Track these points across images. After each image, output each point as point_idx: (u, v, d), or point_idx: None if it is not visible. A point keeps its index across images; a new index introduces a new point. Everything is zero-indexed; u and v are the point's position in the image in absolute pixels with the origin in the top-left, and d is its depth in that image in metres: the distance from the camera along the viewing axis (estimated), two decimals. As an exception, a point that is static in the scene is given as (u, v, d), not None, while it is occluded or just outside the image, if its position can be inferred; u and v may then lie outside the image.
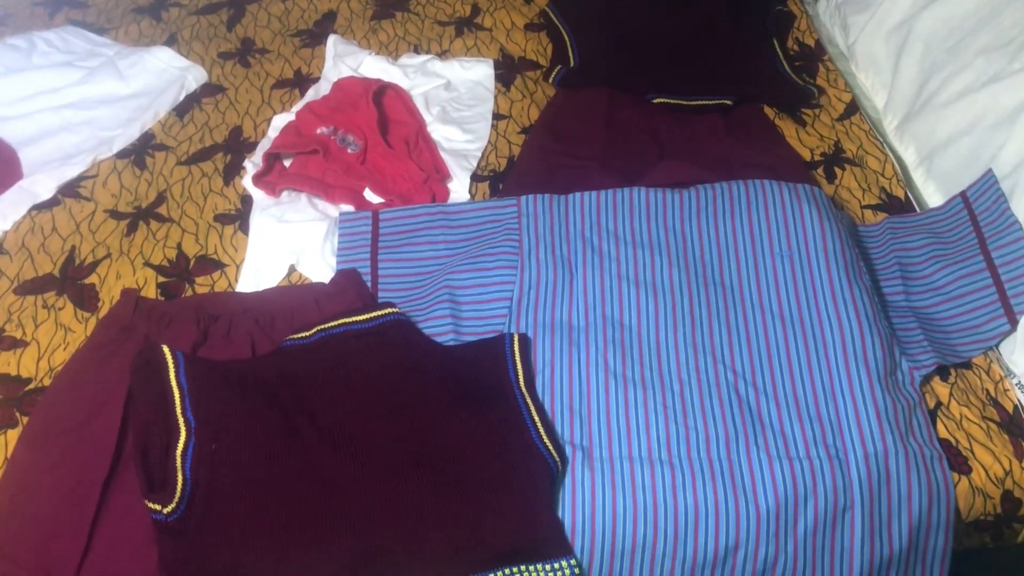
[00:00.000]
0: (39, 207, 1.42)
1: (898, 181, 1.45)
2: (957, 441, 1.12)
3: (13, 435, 1.11)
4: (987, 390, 1.18)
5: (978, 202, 1.27)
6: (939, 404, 1.15)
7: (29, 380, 1.18)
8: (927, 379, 1.18)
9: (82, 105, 1.57)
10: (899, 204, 1.41)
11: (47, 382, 1.17)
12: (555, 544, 0.97)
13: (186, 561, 0.92)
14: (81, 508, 0.99)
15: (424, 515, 0.96)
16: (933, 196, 1.43)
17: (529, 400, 1.08)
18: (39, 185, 1.44)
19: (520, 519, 0.98)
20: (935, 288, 1.21)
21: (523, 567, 0.95)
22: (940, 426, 1.13)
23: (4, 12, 1.86)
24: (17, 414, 1.14)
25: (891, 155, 1.50)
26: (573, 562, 0.96)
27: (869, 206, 1.41)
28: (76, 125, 1.55)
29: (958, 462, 1.10)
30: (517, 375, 1.10)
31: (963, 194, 1.29)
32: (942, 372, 1.19)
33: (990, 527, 1.12)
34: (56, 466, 1.02)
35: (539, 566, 0.95)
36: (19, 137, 1.52)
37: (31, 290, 1.29)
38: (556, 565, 0.96)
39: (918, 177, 1.48)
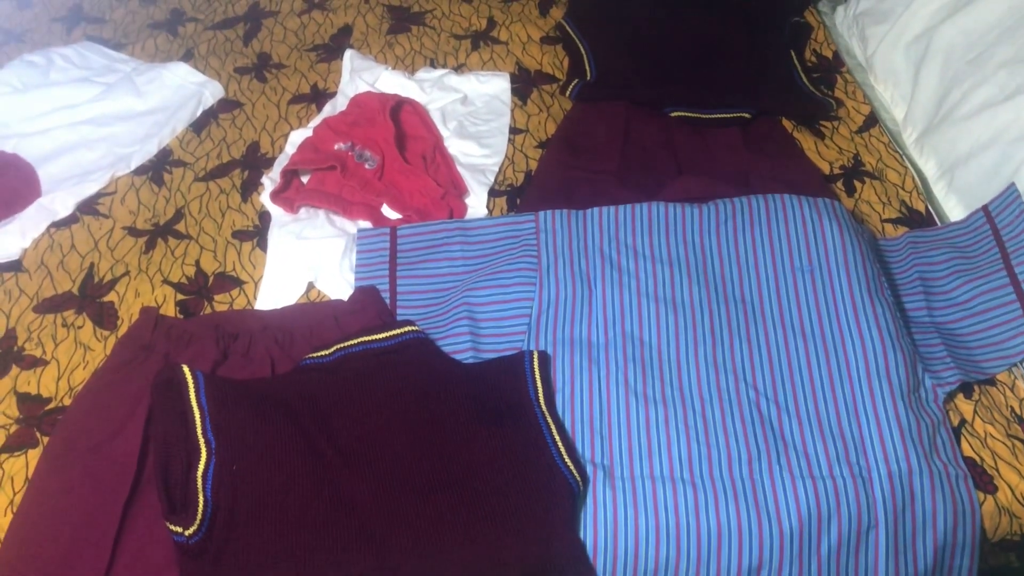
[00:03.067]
0: (58, 224, 1.43)
1: (919, 194, 1.44)
2: (982, 459, 1.11)
3: (34, 455, 1.11)
4: (1012, 407, 1.16)
5: (1000, 216, 1.25)
6: (963, 422, 1.14)
7: (49, 399, 1.18)
8: (951, 396, 1.17)
9: (100, 121, 1.58)
10: (920, 218, 1.40)
11: (67, 402, 1.17)
12: (577, 565, 0.97)
13: (207, 583, 0.92)
14: (102, 529, 0.98)
15: (444, 535, 0.96)
16: (954, 210, 1.42)
17: (549, 419, 1.07)
18: (57, 202, 1.44)
19: (541, 540, 0.97)
20: (958, 304, 1.20)
21: (545, 588, 0.94)
22: (965, 444, 1.12)
23: (22, 28, 1.87)
24: (37, 434, 1.14)
25: (911, 168, 1.49)
26: (595, 584, 0.96)
27: (889, 220, 1.40)
28: (94, 141, 1.55)
29: (983, 481, 1.09)
30: (537, 393, 1.09)
31: (985, 208, 1.28)
32: (966, 389, 1.18)
33: (1016, 547, 1.11)
34: (77, 487, 1.02)
35: (561, 587, 0.95)
36: (37, 154, 1.52)
37: (50, 308, 1.30)
38: (578, 586, 0.95)
39: (939, 190, 1.47)
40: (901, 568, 1.03)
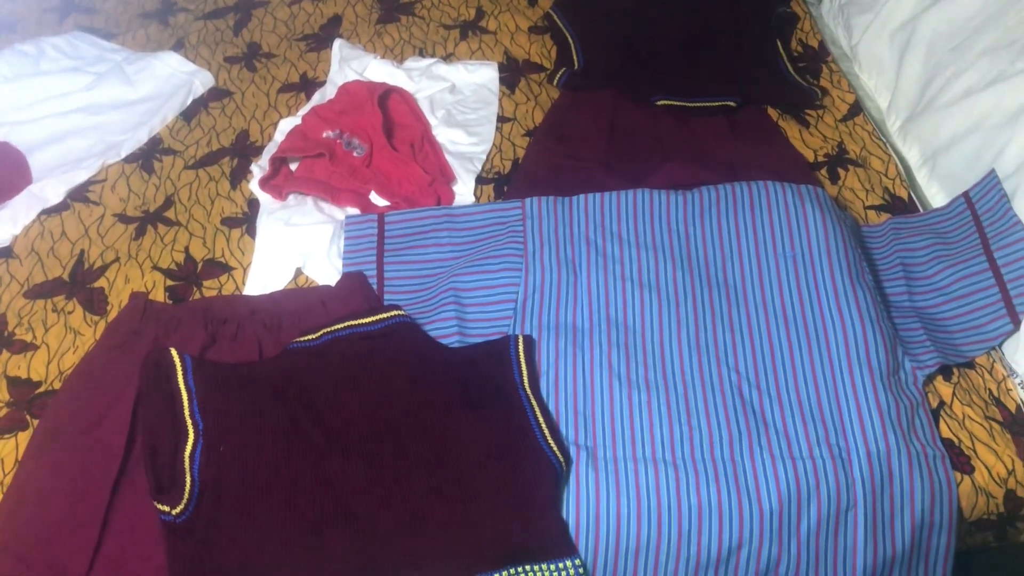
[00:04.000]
0: (48, 211, 1.44)
1: (901, 182, 1.45)
2: (960, 441, 1.12)
3: (24, 437, 1.12)
4: (990, 390, 1.18)
5: (981, 202, 1.27)
6: (942, 404, 1.16)
7: (39, 383, 1.19)
8: (930, 379, 1.18)
9: (91, 110, 1.59)
10: (902, 205, 1.41)
11: (57, 385, 1.18)
12: (559, 544, 0.98)
13: (194, 561, 0.93)
14: (91, 509, 1.00)
15: (429, 515, 0.97)
16: (936, 196, 1.43)
17: (534, 401, 1.09)
18: (48, 190, 1.45)
19: (524, 519, 0.99)
20: (938, 288, 1.21)
21: (528, 567, 0.96)
22: (943, 426, 1.14)
23: (13, 18, 1.87)
24: (28, 417, 1.15)
25: (894, 156, 1.50)
26: (577, 562, 0.97)
27: (872, 207, 1.41)
28: (85, 130, 1.56)
29: (961, 461, 1.10)
30: (522, 376, 1.11)
31: (966, 194, 1.29)
32: (945, 372, 1.19)
33: (993, 526, 1.12)
34: (66, 467, 1.04)
35: (543, 566, 0.96)
36: (28, 142, 1.53)
37: (41, 294, 1.31)
38: (560, 565, 0.97)
39: (921, 177, 1.49)
40: (879, 547, 1.04)
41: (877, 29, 1.66)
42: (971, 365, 1.20)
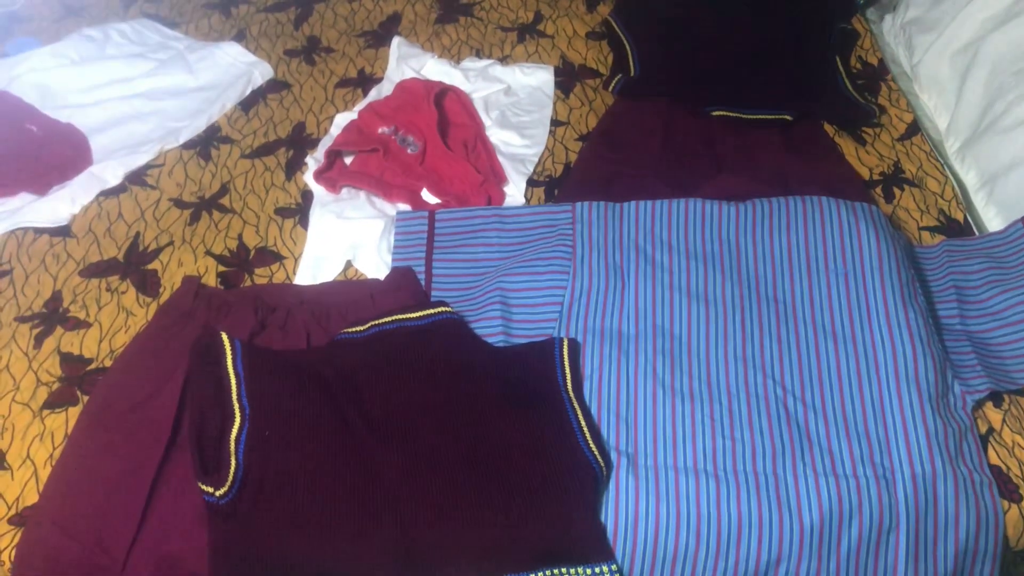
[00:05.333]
0: (106, 193, 1.47)
1: (957, 204, 1.43)
2: (1008, 468, 1.10)
3: (74, 413, 1.14)
4: (1041, 418, 1.16)
5: (1040, 229, 1.25)
6: (991, 430, 1.14)
7: (91, 360, 1.22)
8: (980, 404, 1.16)
9: (152, 96, 1.62)
10: (958, 227, 1.39)
11: (108, 363, 1.21)
12: (597, 548, 0.98)
13: (235, 543, 0.94)
14: (136, 486, 1.02)
15: (467, 511, 0.98)
16: (993, 221, 1.41)
17: (576, 404, 1.09)
18: (108, 172, 1.48)
19: (562, 521, 0.98)
20: (991, 313, 1.19)
21: (564, 569, 0.96)
22: (991, 452, 1.12)
23: (80, 3, 1.91)
24: (78, 392, 1.17)
25: (951, 177, 1.48)
26: (614, 567, 0.97)
27: (927, 228, 1.40)
28: (145, 115, 1.59)
29: (1009, 489, 1.08)
30: (565, 379, 1.11)
31: (1024, 220, 1.28)
32: (996, 398, 1.17)
33: (1039, 557, 1.11)
34: (114, 445, 1.05)
35: (579, 569, 0.96)
36: (90, 124, 1.56)
37: (96, 273, 1.33)
38: (597, 570, 0.96)
39: (978, 201, 1.46)
40: (921, 571, 1.03)
41: (939, 49, 1.65)
42: (1022, 392, 1.18)
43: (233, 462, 0.97)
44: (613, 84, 1.64)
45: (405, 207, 1.41)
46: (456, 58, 1.74)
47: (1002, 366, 1.16)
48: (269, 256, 1.36)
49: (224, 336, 1.06)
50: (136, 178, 1.49)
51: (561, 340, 1.14)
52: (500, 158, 1.50)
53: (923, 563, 1.03)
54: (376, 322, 1.13)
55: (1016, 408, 1.17)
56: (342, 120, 1.57)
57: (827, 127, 1.57)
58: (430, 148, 1.48)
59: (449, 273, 1.29)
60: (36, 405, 1.16)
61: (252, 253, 1.36)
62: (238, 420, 1.00)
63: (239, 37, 1.81)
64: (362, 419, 1.03)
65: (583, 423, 1.06)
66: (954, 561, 1.03)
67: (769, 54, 1.67)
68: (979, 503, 1.04)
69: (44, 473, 1.08)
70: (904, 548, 1.02)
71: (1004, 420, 1.15)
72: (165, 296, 1.29)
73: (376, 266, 1.32)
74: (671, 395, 1.11)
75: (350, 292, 1.24)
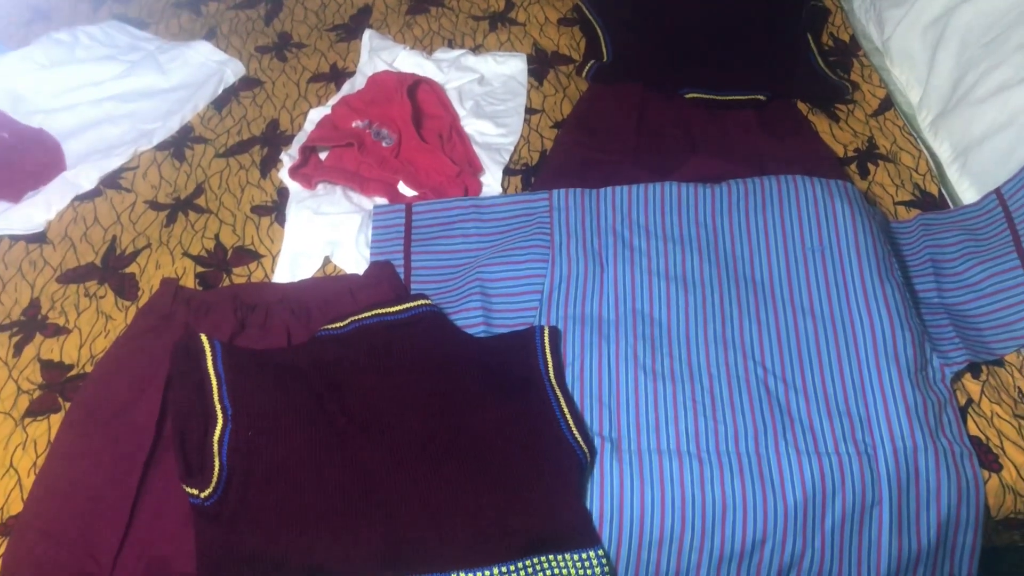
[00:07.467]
0: (81, 198, 1.46)
1: (932, 177, 1.44)
2: (988, 438, 1.11)
3: (56, 420, 1.14)
4: (1019, 388, 1.17)
5: (1013, 199, 1.25)
6: (970, 401, 1.15)
7: (71, 367, 1.21)
8: (958, 376, 1.17)
9: (124, 98, 1.61)
10: (933, 201, 1.40)
11: (88, 369, 1.20)
12: (583, 535, 0.99)
13: (222, 544, 0.94)
14: (121, 491, 1.02)
15: (453, 503, 0.98)
16: (967, 193, 1.42)
17: (559, 392, 1.09)
18: (82, 176, 1.47)
19: (548, 509, 0.99)
20: (968, 285, 1.20)
21: (551, 557, 0.96)
22: (971, 423, 1.13)
23: (49, 6, 1.90)
24: (60, 399, 1.17)
25: (925, 151, 1.49)
26: (600, 552, 0.97)
27: (902, 202, 1.40)
28: (117, 118, 1.58)
29: (988, 459, 1.10)
30: (547, 367, 1.11)
31: (998, 191, 1.28)
32: (974, 369, 1.18)
33: (1020, 525, 1.12)
34: (97, 450, 1.05)
35: (566, 556, 0.97)
36: (63, 129, 1.55)
37: (73, 279, 1.33)
38: (584, 555, 0.97)
39: (952, 174, 1.47)
40: (904, 544, 1.04)
41: (909, 23, 1.65)
42: (1000, 363, 1.20)
43: (217, 463, 0.97)
44: (586, 70, 1.63)
45: (382, 201, 1.41)
46: (428, 49, 1.73)
47: (980, 337, 1.17)
48: (247, 255, 1.36)
49: (204, 337, 1.06)
50: (111, 181, 1.48)
51: (542, 328, 1.14)
52: (476, 148, 1.49)
53: (906, 536, 1.04)
54: (356, 317, 1.13)
55: (994, 379, 1.18)
56: (316, 116, 1.56)
57: (800, 105, 1.57)
58: (405, 141, 1.48)
59: (428, 266, 1.29)
60: (18, 414, 1.16)
61: (230, 253, 1.36)
62: (220, 421, 1.00)
63: (209, 35, 1.80)
64: (345, 415, 1.04)
65: (566, 410, 1.07)
66: (936, 532, 1.04)
67: (740, 34, 1.68)
68: (960, 474, 1.05)
69: (28, 482, 1.08)
70: (887, 522, 1.03)
71: (983, 391, 1.16)
72: (144, 299, 1.29)
73: (355, 261, 1.32)
74: (652, 379, 1.12)
75: (329, 288, 1.24)
